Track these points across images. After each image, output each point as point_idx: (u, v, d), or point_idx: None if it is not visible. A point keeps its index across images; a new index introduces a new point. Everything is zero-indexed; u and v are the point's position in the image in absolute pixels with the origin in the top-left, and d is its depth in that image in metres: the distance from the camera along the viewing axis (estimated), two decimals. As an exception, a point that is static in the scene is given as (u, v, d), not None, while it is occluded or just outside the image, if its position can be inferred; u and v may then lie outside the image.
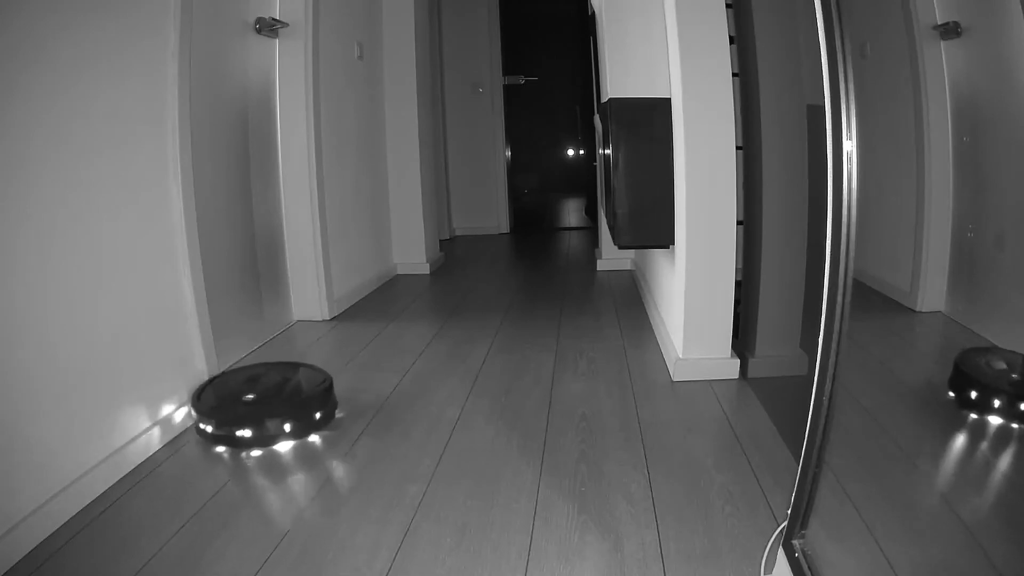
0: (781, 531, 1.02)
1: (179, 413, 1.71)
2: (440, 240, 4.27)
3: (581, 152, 5.39)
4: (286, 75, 2.56)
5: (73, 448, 1.37)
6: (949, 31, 1.41)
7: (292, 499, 1.40)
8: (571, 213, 5.54)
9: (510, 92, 5.08)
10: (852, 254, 0.80)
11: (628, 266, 3.65)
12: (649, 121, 2.00)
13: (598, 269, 3.68)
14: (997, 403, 1.29)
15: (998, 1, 1.27)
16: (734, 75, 1.88)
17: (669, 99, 1.99)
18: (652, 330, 2.50)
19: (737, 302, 1.98)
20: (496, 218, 5.16)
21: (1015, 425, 1.28)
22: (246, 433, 1.60)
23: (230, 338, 2.18)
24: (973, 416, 1.34)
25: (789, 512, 0.98)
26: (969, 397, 1.34)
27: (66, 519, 1.31)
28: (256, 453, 1.59)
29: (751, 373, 1.97)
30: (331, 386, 1.78)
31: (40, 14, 1.30)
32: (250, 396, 1.72)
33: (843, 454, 1.23)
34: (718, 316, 1.96)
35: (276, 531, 1.27)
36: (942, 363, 1.59)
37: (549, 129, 5.33)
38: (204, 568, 1.16)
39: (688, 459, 1.51)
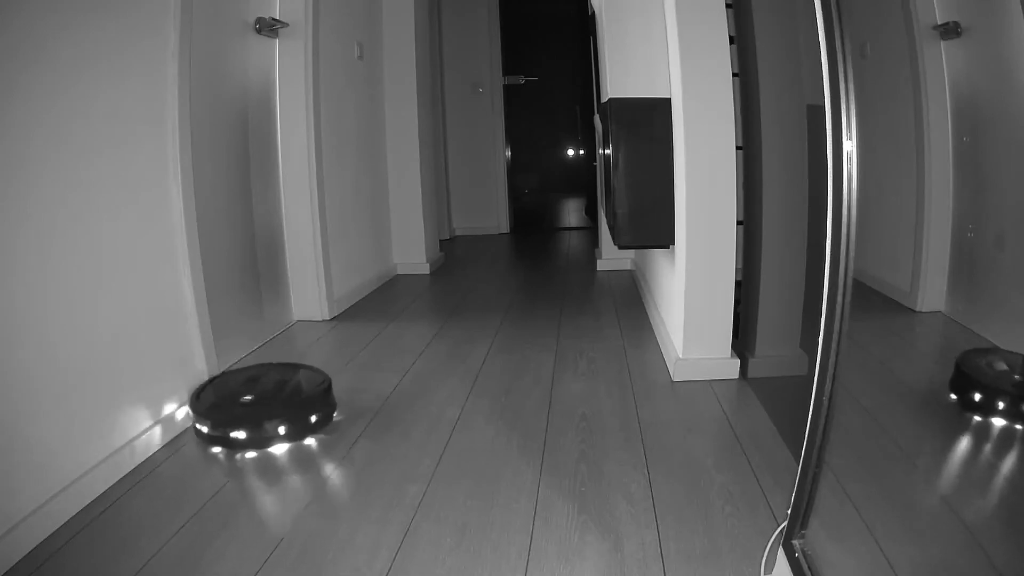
0: (781, 531, 1.02)
1: (179, 413, 1.71)
2: (440, 240, 4.27)
3: (581, 152, 5.39)
4: (286, 75, 2.56)
5: (73, 448, 1.37)
6: (949, 31, 1.41)
7: (292, 499, 1.40)
8: (571, 213, 5.54)
9: (510, 92, 5.08)
10: (852, 254, 0.80)
11: (628, 266, 3.65)
12: (649, 121, 2.00)
13: (598, 269, 3.68)
14: (998, 404, 1.29)
15: (998, 1, 1.27)
16: (734, 75, 1.88)
17: (669, 99, 1.99)
18: (652, 330, 2.50)
19: (737, 302, 1.98)
20: (496, 218, 5.16)
21: (1015, 426, 1.28)
22: (246, 434, 1.60)
23: (230, 338, 2.18)
24: (974, 417, 1.34)
25: (789, 512, 0.98)
26: (970, 398, 1.34)
27: (66, 519, 1.31)
28: (256, 454, 1.59)
29: (751, 373, 1.97)
30: (330, 387, 1.78)
31: (40, 14, 1.30)
32: (248, 397, 1.72)
33: (843, 454, 1.23)
34: (718, 316, 1.96)
35: (276, 531, 1.27)
36: (942, 363, 1.59)
37: (549, 129, 5.33)
38: (204, 568, 1.16)
39: (688, 459, 1.51)
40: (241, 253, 2.34)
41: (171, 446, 1.64)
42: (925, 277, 1.57)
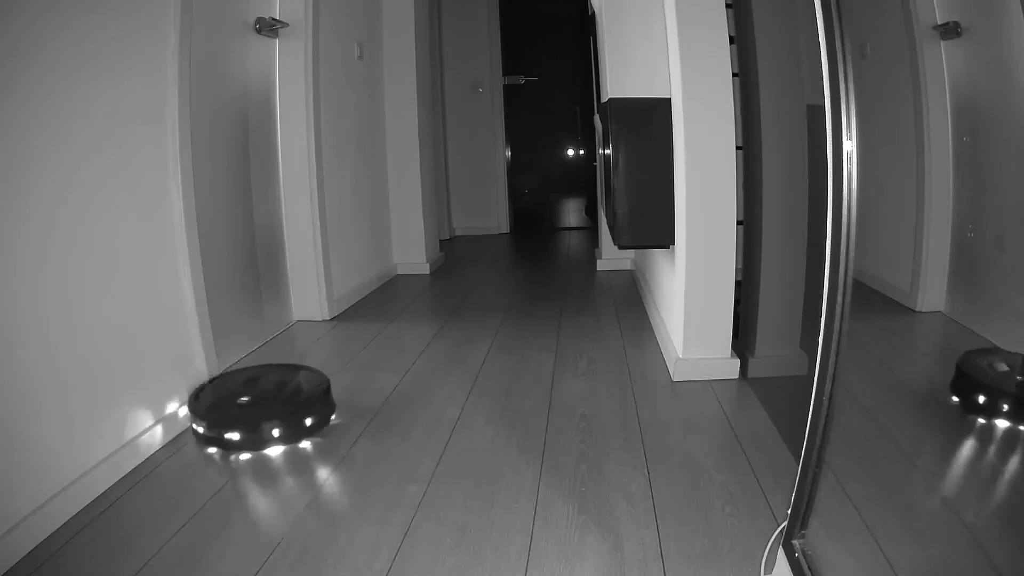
0: (781, 531, 1.02)
1: (179, 413, 1.71)
2: (440, 240, 4.27)
3: (581, 152, 5.39)
4: (286, 75, 2.56)
5: (73, 448, 1.37)
6: (949, 31, 1.41)
7: (292, 499, 1.40)
8: (571, 213, 5.54)
9: (510, 92, 5.08)
10: (852, 254, 0.80)
11: (628, 266, 3.64)
12: (649, 121, 2.00)
13: (598, 269, 3.68)
14: (998, 405, 1.29)
15: (998, 1, 1.27)
16: (734, 75, 1.88)
17: (669, 99, 1.99)
18: (652, 330, 2.50)
19: (737, 302, 1.98)
20: (496, 218, 5.16)
21: (1015, 427, 1.28)
22: (245, 436, 1.60)
23: (230, 338, 2.18)
24: (974, 418, 1.34)
25: (789, 512, 0.98)
26: (970, 399, 1.34)
27: (66, 519, 1.31)
28: (255, 455, 1.59)
29: (751, 373, 1.97)
30: (329, 389, 1.77)
31: (40, 14, 1.30)
32: (247, 399, 1.72)
33: (843, 454, 1.23)
34: (718, 316, 1.96)
35: (276, 531, 1.27)
36: (942, 363, 1.59)
37: (549, 129, 5.33)
38: (204, 568, 1.16)
39: (688, 459, 1.51)
40: (241, 253, 2.34)
41: (171, 446, 1.64)
42: (925, 277, 1.57)
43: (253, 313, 2.42)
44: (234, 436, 1.59)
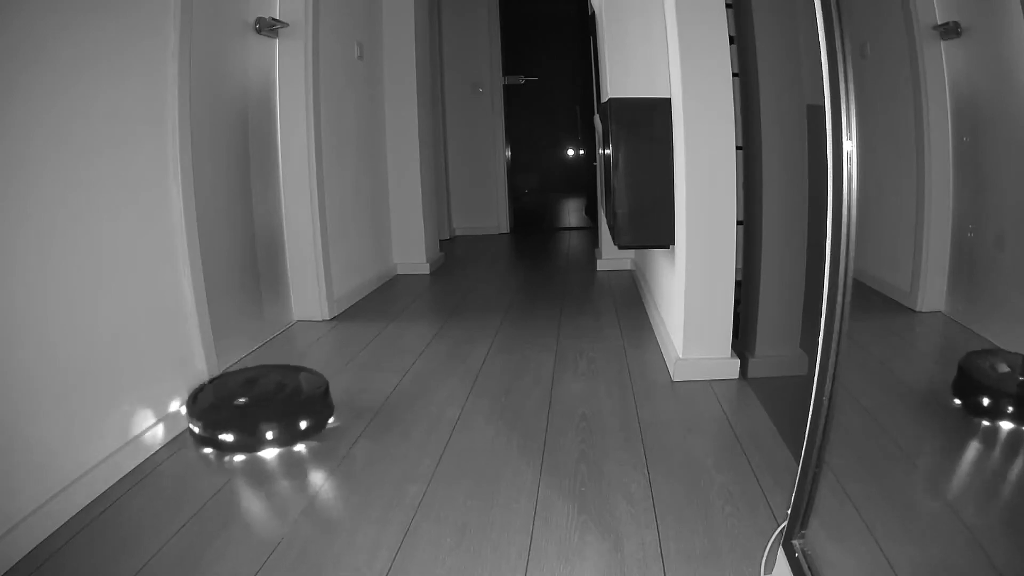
0: (781, 531, 1.02)
1: (179, 413, 1.71)
2: (440, 240, 4.27)
3: (581, 152, 5.39)
4: (286, 75, 2.56)
5: (73, 448, 1.37)
6: (949, 31, 1.41)
7: (292, 500, 1.40)
8: (571, 213, 5.54)
9: (510, 92, 5.08)
10: (852, 254, 0.80)
11: (628, 266, 3.64)
12: (649, 121, 2.00)
13: (598, 269, 3.68)
14: (998, 406, 1.29)
15: (998, 1, 1.27)
16: (734, 75, 1.88)
17: (669, 99, 1.99)
18: (652, 330, 2.49)
19: (737, 302, 1.98)
20: (496, 218, 5.16)
21: (1014, 427, 1.28)
22: (244, 437, 1.60)
23: (230, 338, 2.18)
24: (974, 418, 1.34)
25: (789, 512, 0.98)
26: (972, 400, 1.34)
27: (66, 519, 1.31)
28: (255, 456, 1.59)
29: (751, 373, 1.97)
30: (327, 390, 1.77)
31: (40, 14, 1.30)
32: (246, 400, 1.72)
33: (843, 454, 1.23)
34: (718, 316, 1.96)
35: (276, 531, 1.27)
36: (942, 363, 1.59)
37: (549, 129, 5.33)
38: (204, 568, 1.16)
39: (688, 459, 1.51)
40: (241, 253, 2.34)
41: (171, 446, 1.64)
42: (925, 277, 1.57)
43: (253, 313, 2.42)
44: (234, 437, 1.59)
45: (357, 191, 3.16)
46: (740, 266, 1.99)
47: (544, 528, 1.26)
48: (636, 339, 2.40)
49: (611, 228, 2.22)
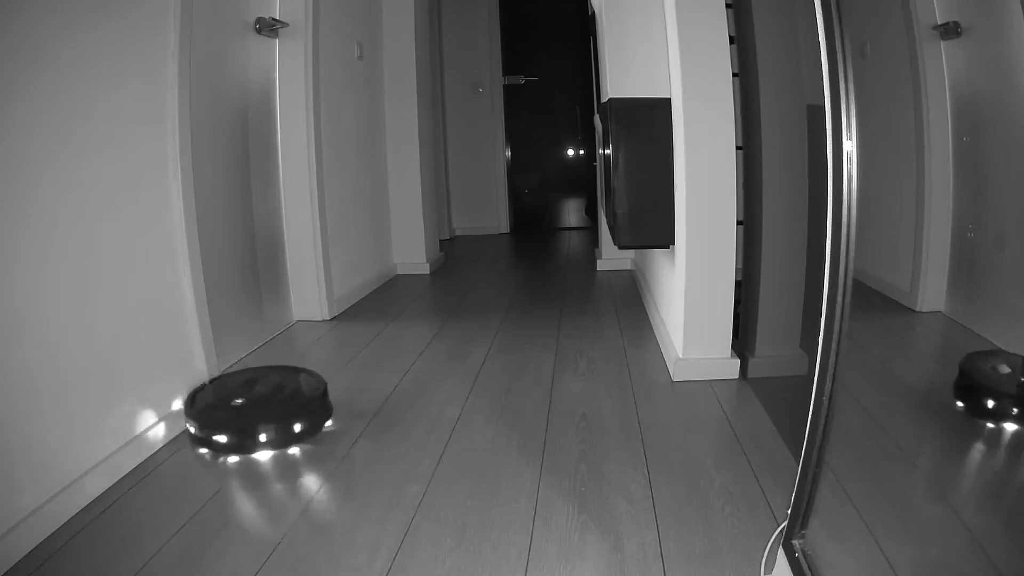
0: (781, 531, 1.02)
1: (179, 413, 1.71)
2: (440, 240, 4.27)
3: (581, 152, 5.39)
4: (286, 75, 2.56)
5: (73, 448, 1.37)
6: (949, 31, 1.41)
7: (291, 500, 1.40)
8: (571, 213, 5.54)
9: (510, 92, 5.08)
10: (852, 254, 0.80)
11: (628, 266, 3.64)
12: (649, 121, 2.00)
13: (598, 269, 3.68)
14: (998, 406, 1.29)
15: (998, 1, 1.27)
16: (734, 75, 1.88)
17: (669, 99, 1.99)
18: (652, 330, 2.49)
19: (737, 302, 1.98)
20: (496, 218, 5.16)
21: (1014, 427, 1.28)
22: (243, 438, 1.59)
23: (230, 338, 2.18)
24: (975, 418, 1.34)
25: (789, 512, 0.98)
26: (973, 401, 1.34)
27: (66, 519, 1.31)
28: (254, 456, 1.59)
29: (751, 373, 1.97)
30: (326, 392, 1.77)
31: (40, 14, 1.30)
32: (245, 401, 1.72)
33: (843, 454, 1.23)
34: (718, 316, 1.96)
35: (276, 531, 1.27)
36: (942, 363, 1.59)
37: (549, 129, 5.33)
38: (204, 568, 1.16)
39: (688, 459, 1.51)
40: (241, 253, 2.34)
41: (171, 446, 1.64)
42: (925, 277, 1.57)
43: (253, 313, 2.42)
44: (233, 439, 1.59)
45: (357, 191, 3.16)
46: (740, 266, 1.99)
47: (544, 528, 1.26)
48: (636, 339, 2.40)
49: (611, 228, 2.22)
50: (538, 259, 4.14)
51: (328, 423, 1.74)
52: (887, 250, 1.74)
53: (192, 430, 1.63)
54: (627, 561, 1.16)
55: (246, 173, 2.38)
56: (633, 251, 3.51)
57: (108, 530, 1.29)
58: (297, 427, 1.63)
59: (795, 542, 0.98)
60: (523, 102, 5.14)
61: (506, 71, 5.04)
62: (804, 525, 0.96)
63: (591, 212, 4.76)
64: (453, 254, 4.33)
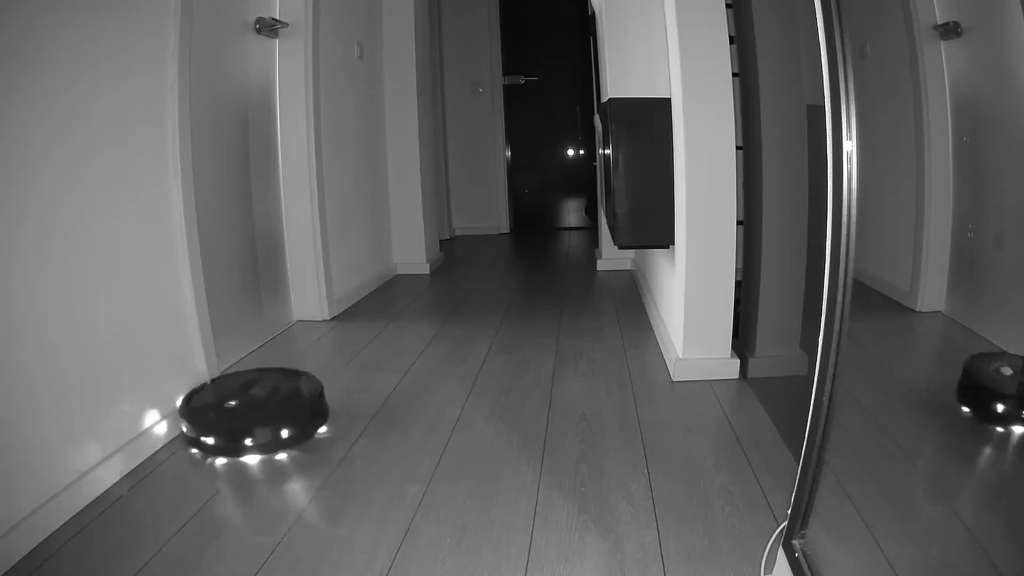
0: (781, 531, 1.02)
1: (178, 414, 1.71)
2: (440, 240, 4.27)
3: (581, 152, 5.39)
4: (286, 75, 2.56)
5: (73, 448, 1.37)
6: (949, 31, 1.41)
7: (291, 500, 1.40)
8: (571, 213, 5.54)
9: (510, 92, 5.07)
10: (852, 254, 0.80)
11: (628, 266, 3.64)
12: (649, 121, 2.00)
13: (598, 269, 3.68)
14: (999, 407, 1.29)
15: (998, 1, 1.27)
16: (734, 75, 1.88)
17: (669, 99, 1.99)
18: (652, 330, 2.49)
19: (737, 302, 1.98)
20: (496, 218, 5.16)
21: (1014, 428, 1.28)
22: (242, 440, 1.59)
23: (230, 338, 2.18)
24: (975, 419, 1.34)
25: (789, 512, 0.98)
26: (976, 403, 1.34)
27: (66, 519, 1.31)
28: (254, 458, 1.59)
29: (751, 373, 1.97)
30: (322, 394, 1.76)
31: (40, 14, 1.30)
32: (243, 403, 1.71)
33: (843, 454, 1.23)
34: (718, 316, 1.96)
35: (276, 531, 1.27)
36: (942, 363, 1.59)
37: (549, 129, 5.32)
38: (204, 568, 1.16)
39: (688, 459, 1.51)
40: (241, 253, 2.34)
41: (171, 446, 1.64)
42: (925, 277, 1.58)
43: (253, 313, 2.42)
44: (232, 440, 1.59)
45: (357, 191, 3.16)
46: (740, 266, 1.99)
47: (544, 528, 1.26)
48: (636, 339, 2.40)
49: (611, 228, 2.22)
50: (538, 259, 4.14)
51: (325, 426, 1.74)
52: (887, 250, 1.74)
53: (193, 432, 1.63)
54: (627, 561, 1.16)
55: (246, 173, 2.38)
56: (633, 251, 3.51)
57: (108, 530, 1.29)
58: (293, 430, 1.63)
59: (795, 542, 0.98)
60: (523, 102, 5.14)
61: (506, 71, 5.04)
62: (804, 525, 0.97)
63: (591, 212, 4.76)
64: (453, 254, 4.33)
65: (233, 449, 1.58)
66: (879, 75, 1.69)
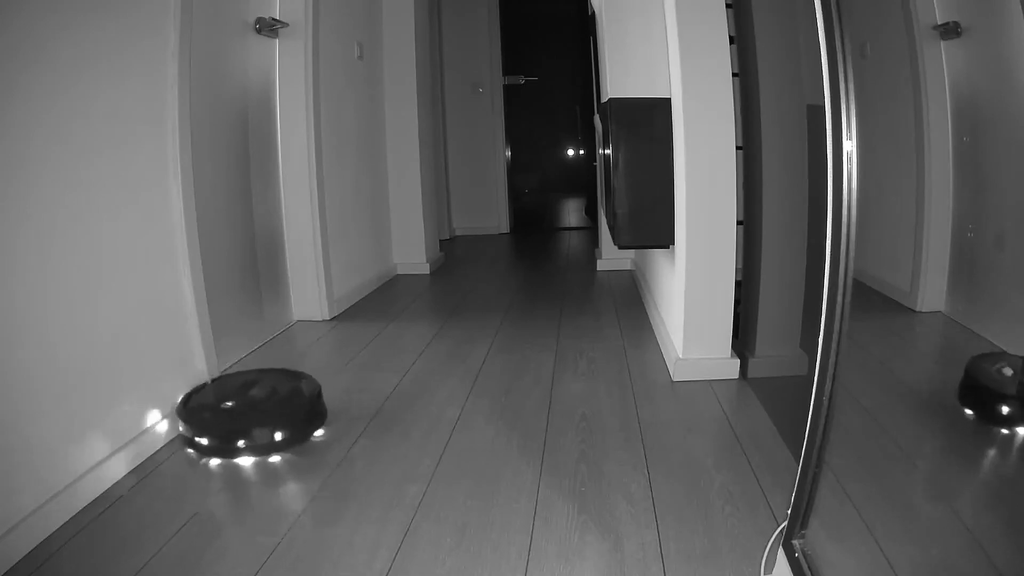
0: (781, 531, 1.02)
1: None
2: (440, 240, 4.27)
3: (581, 152, 5.39)
4: (286, 75, 2.56)
5: (73, 448, 1.37)
6: (949, 31, 1.41)
7: (291, 500, 1.40)
8: (571, 213, 5.54)
9: (510, 92, 5.08)
10: (852, 254, 0.80)
11: (628, 266, 3.64)
12: (649, 121, 2.00)
13: (598, 269, 3.68)
14: (999, 408, 1.29)
15: (998, 1, 1.27)
16: (734, 75, 1.88)
17: (669, 99, 1.99)
18: (652, 330, 2.49)
19: (737, 302, 1.98)
20: (496, 218, 5.16)
21: (1014, 428, 1.28)
22: (241, 441, 1.59)
23: (230, 338, 2.18)
24: (975, 420, 1.34)
25: (789, 512, 0.98)
26: (978, 404, 1.34)
27: (66, 519, 1.31)
28: (253, 459, 1.59)
29: (751, 373, 1.97)
30: (319, 395, 1.76)
31: (40, 14, 1.30)
32: (241, 404, 1.71)
33: (843, 454, 1.23)
34: (718, 316, 1.96)
35: (275, 531, 1.27)
36: (942, 363, 1.59)
37: (549, 129, 5.33)
38: (204, 568, 1.16)
39: (688, 459, 1.51)
40: (241, 253, 2.34)
41: (171, 446, 1.64)
42: (925, 277, 1.57)
43: (253, 313, 2.42)
44: (231, 441, 1.58)
45: (357, 191, 3.16)
46: (740, 266, 1.99)
47: (544, 528, 1.26)
48: (636, 339, 2.40)
49: (611, 228, 2.22)
50: (538, 259, 4.14)
51: (324, 426, 1.74)
52: (887, 250, 1.74)
53: (182, 431, 1.63)
54: (627, 561, 1.16)
55: (246, 173, 2.38)
56: (633, 251, 3.51)
57: (108, 530, 1.29)
58: (292, 431, 1.63)
59: (795, 542, 0.98)
60: (523, 102, 5.14)
61: (506, 71, 5.04)
62: (804, 525, 0.97)
63: (591, 212, 4.76)
64: (453, 254, 4.33)
65: (232, 450, 1.58)
66: (879, 75, 1.69)
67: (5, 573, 1.16)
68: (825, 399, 0.86)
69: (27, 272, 1.28)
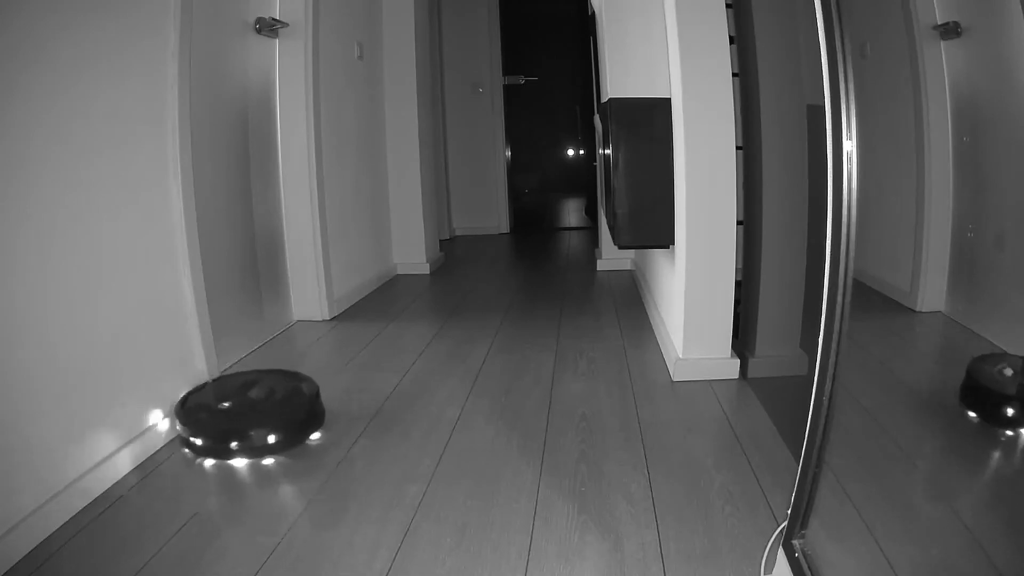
0: (781, 531, 1.02)
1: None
2: (440, 240, 4.27)
3: (581, 152, 5.39)
4: (286, 75, 2.56)
5: (73, 448, 1.37)
6: (949, 31, 1.41)
7: (291, 500, 1.40)
8: (571, 213, 5.54)
9: (510, 92, 5.07)
10: (852, 254, 0.80)
11: (628, 266, 3.64)
12: (649, 121, 2.00)
13: (598, 269, 3.68)
14: (999, 408, 1.29)
15: (998, 1, 1.27)
16: (734, 75, 1.88)
17: (669, 99, 1.99)
18: (652, 330, 2.49)
19: (737, 302, 1.98)
20: (496, 218, 5.16)
21: (1013, 428, 1.28)
22: (241, 442, 1.58)
23: (230, 338, 2.18)
24: (976, 420, 1.34)
25: (789, 512, 0.98)
26: (979, 405, 1.34)
27: (66, 519, 1.31)
28: (253, 460, 1.59)
29: (751, 373, 1.97)
30: (318, 394, 1.76)
31: (40, 14, 1.30)
32: (242, 404, 1.71)
33: (843, 454, 1.23)
34: (718, 316, 1.96)
35: (275, 531, 1.27)
36: (942, 363, 1.59)
37: (549, 129, 5.32)
38: (204, 568, 1.16)
39: (688, 459, 1.51)
40: (241, 253, 2.34)
41: (171, 446, 1.64)
42: (925, 277, 1.58)
43: (253, 313, 2.42)
44: (236, 442, 1.58)
45: (357, 191, 3.16)
46: (740, 266, 1.99)
47: (544, 528, 1.26)
48: (636, 339, 2.40)
49: (611, 228, 2.22)
50: (538, 259, 4.14)
51: (324, 426, 1.74)
52: (887, 250, 1.74)
53: (195, 437, 1.63)
54: (627, 561, 1.16)
55: (246, 173, 2.38)
56: (633, 251, 3.51)
57: (108, 530, 1.29)
58: (290, 431, 1.62)
59: (795, 542, 0.98)
60: (523, 102, 5.14)
61: (506, 71, 5.04)
62: (804, 525, 0.97)
63: (591, 212, 4.76)
64: (453, 254, 4.33)
65: (231, 450, 1.58)
66: (879, 75, 1.69)
67: (5, 573, 1.16)
68: (825, 399, 0.86)
69: (27, 272, 1.28)
